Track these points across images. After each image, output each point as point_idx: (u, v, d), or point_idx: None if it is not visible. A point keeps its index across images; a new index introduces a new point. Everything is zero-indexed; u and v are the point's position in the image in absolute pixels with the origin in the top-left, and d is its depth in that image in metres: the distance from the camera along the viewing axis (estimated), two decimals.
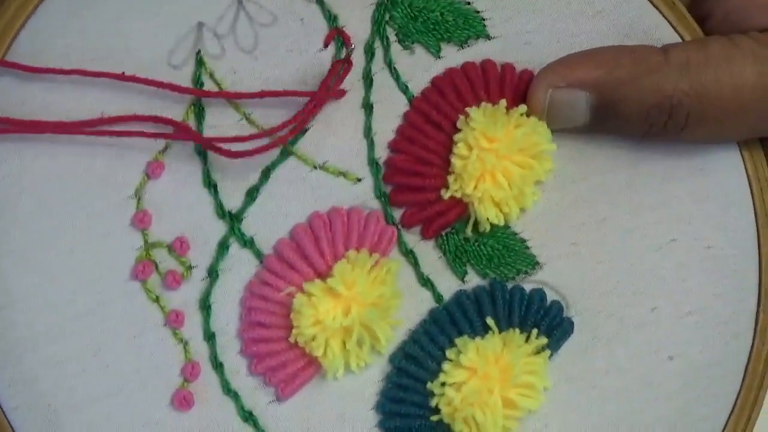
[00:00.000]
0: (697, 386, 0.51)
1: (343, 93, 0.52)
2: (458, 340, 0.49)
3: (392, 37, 0.53)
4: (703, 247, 0.52)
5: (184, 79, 0.52)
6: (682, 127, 0.50)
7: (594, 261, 0.51)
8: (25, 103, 0.51)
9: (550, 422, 0.50)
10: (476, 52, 0.53)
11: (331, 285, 0.48)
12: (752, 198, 0.53)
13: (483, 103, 0.51)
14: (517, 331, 0.50)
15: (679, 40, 0.53)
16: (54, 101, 0.51)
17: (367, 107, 0.52)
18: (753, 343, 0.52)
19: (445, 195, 0.51)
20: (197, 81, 0.52)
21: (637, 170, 0.52)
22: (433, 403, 0.49)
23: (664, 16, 0.54)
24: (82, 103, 0.51)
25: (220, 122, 0.51)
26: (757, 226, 0.53)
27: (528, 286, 0.51)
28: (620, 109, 0.50)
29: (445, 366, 0.49)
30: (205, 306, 0.50)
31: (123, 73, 0.50)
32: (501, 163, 0.50)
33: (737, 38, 0.51)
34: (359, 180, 0.52)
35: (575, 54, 0.51)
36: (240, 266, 0.50)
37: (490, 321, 0.50)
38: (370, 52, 0.53)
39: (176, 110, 0.51)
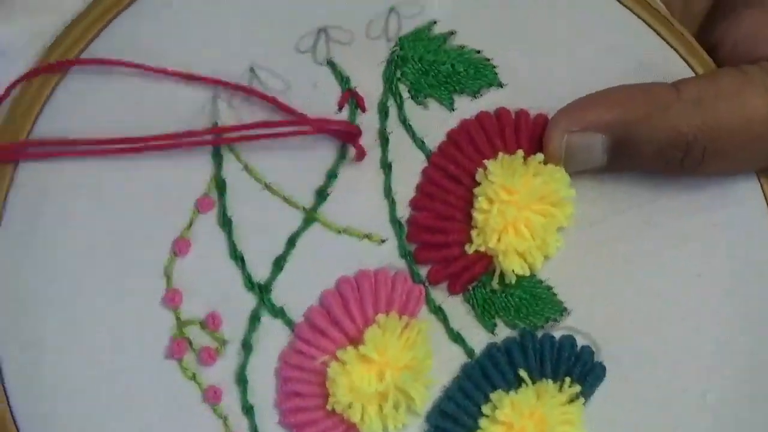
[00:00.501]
0: (733, 421, 0.51)
1: (364, 154, 0.52)
2: (493, 395, 0.50)
3: (405, 94, 0.54)
4: (728, 279, 0.52)
5: (205, 153, 0.52)
6: (699, 162, 0.51)
7: (620, 302, 0.52)
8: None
9: None
10: (489, 100, 0.54)
11: (363, 352, 0.49)
12: None
13: (500, 154, 0.52)
14: (550, 381, 0.50)
15: (691, 72, 0.54)
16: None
17: (386, 167, 0.53)
18: None
19: (470, 250, 0.51)
20: (216, 154, 0.53)
21: (657, 206, 0.53)
22: None
23: (674, 48, 0.54)
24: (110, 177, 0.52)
25: (242, 193, 0.52)
26: None
27: (557, 333, 0.52)
28: (636, 148, 0.51)
29: (482, 422, 0.50)
30: (242, 380, 0.51)
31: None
32: (522, 214, 0.51)
33: (747, 69, 0.51)
34: (383, 241, 0.52)
35: (587, 96, 0.52)
36: (273, 337, 0.51)
37: (522, 373, 0.50)
38: (384, 111, 0.53)
39: (198, 182, 0.52)
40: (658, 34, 0.55)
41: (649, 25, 0.55)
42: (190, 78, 0.51)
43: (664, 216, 0.53)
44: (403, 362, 0.50)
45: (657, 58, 0.54)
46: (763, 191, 0.54)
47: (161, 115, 0.53)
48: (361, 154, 0.52)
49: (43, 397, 0.50)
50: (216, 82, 0.52)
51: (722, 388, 0.52)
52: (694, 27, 0.57)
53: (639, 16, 0.55)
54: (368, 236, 0.52)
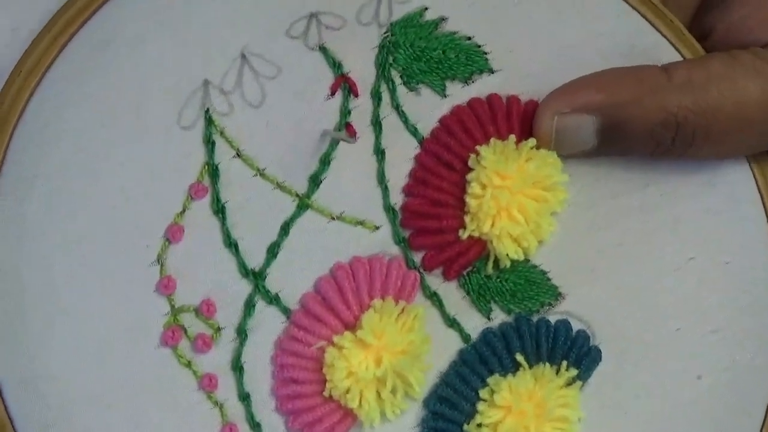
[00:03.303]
0: (727, 402, 0.53)
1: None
2: (491, 380, 0.51)
3: (397, 80, 0.55)
4: (722, 263, 0.54)
5: (196, 138, 0.53)
6: (690, 143, 0.52)
7: (614, 286, 0.54)
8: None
9: None
10: (481, 86, 0.55)
11: (360, 336, 0.50)
12: (765, 209, 0.55)
13: (492, 140, 0.53)
14: (547, 365, 0.52)
15: (679, 57, 0.55)
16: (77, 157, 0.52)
17: (379, 153, 0.54)
18: None
19: (464, 235, 0.52)
20: (209, 140, 0.53)
21: (649, 191, 0.54)
22: None
23: (663, 34, 0.56)
24: (102, 163, 0.53)
25: (235, 179, 0.53)
26: None
27: (553, 318, 0.53)
28: (626, 129, 0.52)
29: (480, 406, 0.51)
30: (237, 367, 0.52)
31: None
32: (515, 198, 0.52)
33: (738, 53, 0.53)
34: (377, 228, 0.53)
35: (578, 79, 0.53)
36: (268, 324, 0.52)
37: (519, 357, 0.52)
38: (377, 97, 0.54)
39: (190, 169, 0.53)
40: (648, 20, 0.56)
41: (639, 12, 0.56)
42: None
43: (657, 201, 0.55)
44: (400, 347, 0.51)
45: (647, 45, 0.56)
46: (754, 176, 0.55)
47: (153, 100, 0.53)
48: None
49: (37, 384, 0.51)
50: None
51: (716, 370, 0.53)
52: (687, 16, 0.58)
53: (629, 3, 0.57)
54: (362, 223, 0.54)
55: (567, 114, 0.52)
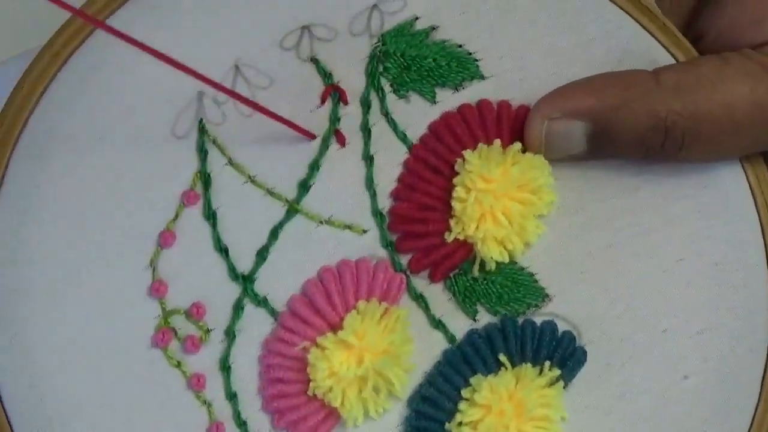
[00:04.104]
0: (714, 403, 0.53)
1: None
2: (472, 379, 0.52)
3: (387, 88, 0.56)
4: (711, 264, 0.54)
5: (189, 148, 0.55)
6: (680, 147, 0.52)
7: (602, 288, 0.54)
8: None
9: None
10: (471, 93, 0.56)
11: (342, 337, 0.52)
12: (757, 211, 0.55)
13: (479, 144, 0.54)
14: (530, 365, 0.52)
15: (673, 61, 0.56)
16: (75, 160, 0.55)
17: (368, 159, 0.55)
18: None
19: (449, 238, 0.54)
20: (202, 149, 0.55)
21: (639, 193, 0.55)
22: None
23: (656, 38, 0.56)
24: (99, 173, 0.55)
25: (227, 186, 0.55)
26: (764, 238, 0.55)
27: (539, 319, 0.54)
28: (616, 134, 0.53)
29: (461, 405, 0.52)
30: (225, 367, 0.53)
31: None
32: (500, 201, 0.53)
33: (729, 56, 0.53)
34: (365, 231, 0.55)
35: (568, 84, 0.54)
36: (256, 326, 0.54)
37: (502, 357, 0.52)
38: (366, 105, 0.56)
39: (183, 176, 0.55)
40: (641, 25, 0.57)
41: (632, 16, 0.57)
42: (185, 70, 0.54)
43: (647, 203, 0.55)
44: (381, 347, 0.52)
45: (640, 50, 0.56)
46: (746, 177, 0.55)
47: (148, 111, 0.55)
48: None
49: (29, 384, 0.53)
50: (205, 80, 0.54)
51: (703, 371, 0.53)
52: (681, 19, 0.58)
53: (622, 8, 0.57)
54: (350, 227, 0.55)
55: (557, 119, 0.53)
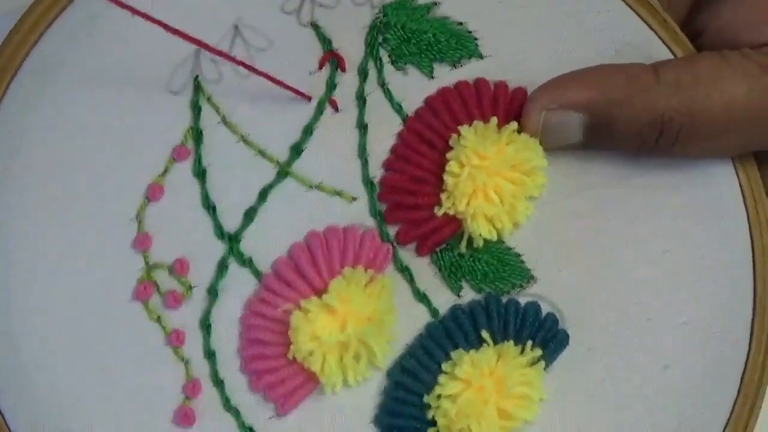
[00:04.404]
0: (693, 395, 0.53)
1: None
2: (453, 353, 0.52)
3: (385, 59, 0.56)
4: (697, 258, 0.55)
5: (183, 103, 0.55)
6: (673, 142, 0.53)
7: (588, 274, 0.54)
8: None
9: None
10: (469, 71, 0.57)
11: (326, 301, 0.51)
12: (745, 208, 0.55)
13: (475, 122, 0.54)
14: (512, 343, 0.52)
15: (671, 56, 0.56)
16: (68, 109, 0.55)
17: (362, 127, 0.55)
18: (749, 352, 0.54)
19: (439, 212, 0.54)
20: (195, 105, 0.55)
21: (631, 183, 0.55)
22: (429, 415, 0.52)
23: (655, 32, 0.57)
24: (89, 122, 0.55)
25: (218, 144, 0.54)
26: (750, 235, 0.55)
27: (523, 300, 0.54)
28: (613, 128, 0.53)
29: (441, 378, 0.52)
30: (205, 325, 0.53)
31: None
32: (492, 179, 0.53)
33: (728, 54, 0.53)
34: (354, 199, 0.55)
35: (566, 75, 0.54)
36: (239, 286, 0.53)
37: (485, 334, 0.52)
38: (363, 74, 0.56)
39: (175, 132, 0.55)
40: (641, 18, 0.57)
41: (632, 9, 0.57)
42: (175, 32, 0.53)
43: (636, 193, 0.55)
44: (365, 314, 0.52)
45: (638, 42, 0.57)
46: (736, 174, 0.56)
47: (144, 65, 0.55)
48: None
49: (4, 330, 0.53)
50: (197, 43, 0.54)
51: (684, 362, 0.54)
52: (681, 15, 0.59)
53: (623, 0, 0.57)
54: (339, 193, 0.55)
55: (554, 110, 0.53)
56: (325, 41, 0.56)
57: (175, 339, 0.53)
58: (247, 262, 0.54)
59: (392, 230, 0.55)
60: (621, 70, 0.53)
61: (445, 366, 0.52)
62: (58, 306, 0.53)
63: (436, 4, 0.57)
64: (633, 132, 0.53)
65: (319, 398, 0.53)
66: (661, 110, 0.52)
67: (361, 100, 0.56)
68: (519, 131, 0.54)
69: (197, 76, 0.55)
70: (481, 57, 0.57)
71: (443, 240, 0.54)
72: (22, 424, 0.52)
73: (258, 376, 0.52)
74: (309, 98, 0.55)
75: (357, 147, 0.55)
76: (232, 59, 0.52)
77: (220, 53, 0.52)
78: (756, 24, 0.55)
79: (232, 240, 0.54)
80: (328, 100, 0.55)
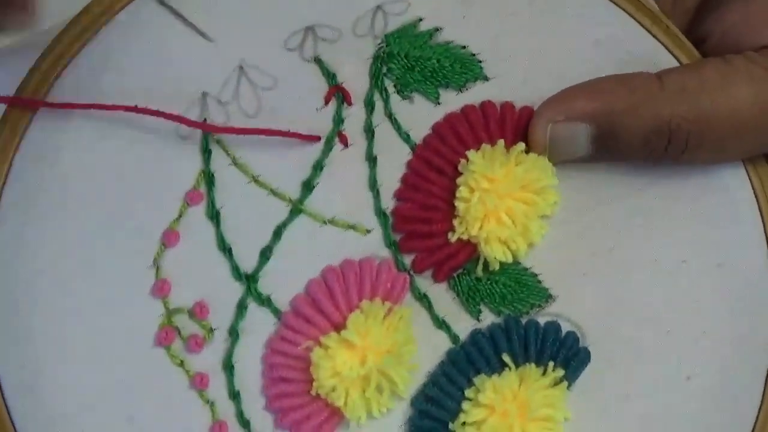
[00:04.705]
0: (717, 405, 0.53)
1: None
2: (476, 379, 0.52)
3: (391, 89, 0.57)
4: (714, 266, 0.54)
5: (193, 147, 0.56)
6: (683, 150, 0.53)
7: (606, 289, 0.54)
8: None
9: None
10: (475, 94, 0.57)
11: (345, 336, 0.52)
12: (760, 213, 0.55)
13: (483, 145, 0.54)
14: (533, 365, 0.52)
15: (676, 63, 0.56)
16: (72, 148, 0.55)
17: (371, 160, 0.56)
18: None
19: (452, 238, 0.54)
20: (205, 149, 0.55)
21: (644, 195, 0.55)
22: None
23: (659, 41, 0.57)
24: (102, 173, 0.55)
25: (230, 186, 0.55)
26: (767, 240, 0.55)
27: (542, 320, 0.54)
28: (620, 137, 0.53)
29: (465, 405, 0.52)
30: (228, 366, 0.53)
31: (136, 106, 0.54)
32: (503, 202, 0.53)
33: (732, 58, 0.53)
34: (368, 231, 0.55)
35: (572, 87, 0.54)
36: (259, 325, 0.54)
37: (506, 357, 0.53)
38: (370, 106, 0.56)
39: (187, 176, 0.56)
40: (644, 27, 0.57)
41: (635, 19, 0.58)
42: (153, 114, 0.54)
43: (651, 205, 0.55)
44: (384, 347, 0.52)
45: (643, 52, 0.57)
46: (749, 179, 0.56)
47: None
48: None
49: (33, 383, 0.53)
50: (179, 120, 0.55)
51: (706, 372, 0.54)
52: (684, 22, 0.59)
53: (625, 10, 0.58)
54: (353, 227, 0.55)
55: (560, 122, 0.53)
56: (329, 75, 0.57)
57: (199, 382, 0.53)
58: (265, 302, 0.54)
59: (408, 259, 0.55)
60: (625, 79, 0.54)
61: (468, 392, 0.53)
62: (82, 359, 0.53)
63: (438, 29, 0.57)
64: (640, 141, 0.53)
65: (345, 431, 0.53)
66: (667, 118, 0.52)
67: (369, 132, 0.56)
68: (527, 151, 0.54)
69: (205, 120, 0.56)
70: (486, 79, 0.57)
71: (459, 265, 0.55)
72: None
73: (284, 413, 0.53)
74: (318, 139, 0.55)
75: (368, 179, 0.56)
76: (232, 129, 0.54)
77: (198, 125, 0.54)
78: (761, 27, 0.55)
79: (250, 280, 0.54)
80: (336, 135, 0.56)
